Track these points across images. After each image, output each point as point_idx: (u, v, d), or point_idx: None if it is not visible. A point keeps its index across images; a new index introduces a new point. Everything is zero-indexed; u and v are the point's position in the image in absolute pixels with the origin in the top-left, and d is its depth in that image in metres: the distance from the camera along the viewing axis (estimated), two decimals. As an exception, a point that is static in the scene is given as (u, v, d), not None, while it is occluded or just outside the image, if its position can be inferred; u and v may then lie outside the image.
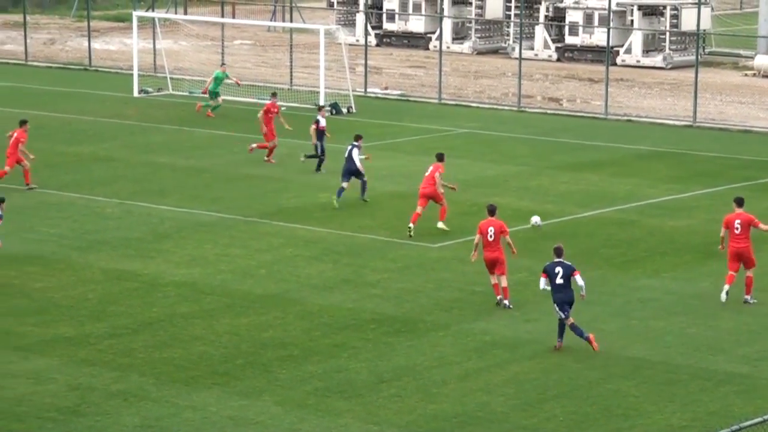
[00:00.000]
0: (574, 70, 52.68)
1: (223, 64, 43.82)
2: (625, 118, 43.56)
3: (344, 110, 43.29)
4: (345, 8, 60.18)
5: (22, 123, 32.91)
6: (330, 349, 21.72)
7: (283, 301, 24.07)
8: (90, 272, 25.56)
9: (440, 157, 29.09)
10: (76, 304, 23.74)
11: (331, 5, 60.84)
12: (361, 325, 22.83)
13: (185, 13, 63.06)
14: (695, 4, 49.73)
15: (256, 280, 25.32)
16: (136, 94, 45.77)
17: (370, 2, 56.48)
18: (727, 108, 45.50)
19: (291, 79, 48.03)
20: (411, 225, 28.36)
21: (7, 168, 32.09)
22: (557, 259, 21.80)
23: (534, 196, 32.29)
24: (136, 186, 32.65)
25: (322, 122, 34.07)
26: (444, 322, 23.05)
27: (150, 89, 46.48)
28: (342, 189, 30.53)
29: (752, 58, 53.73)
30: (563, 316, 21.64)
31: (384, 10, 58.65)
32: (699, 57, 46.29)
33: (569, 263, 21.82)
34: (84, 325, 22.66)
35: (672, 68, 53.23)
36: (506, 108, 45.25)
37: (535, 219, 27.03)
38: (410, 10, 57.93)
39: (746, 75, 52.31)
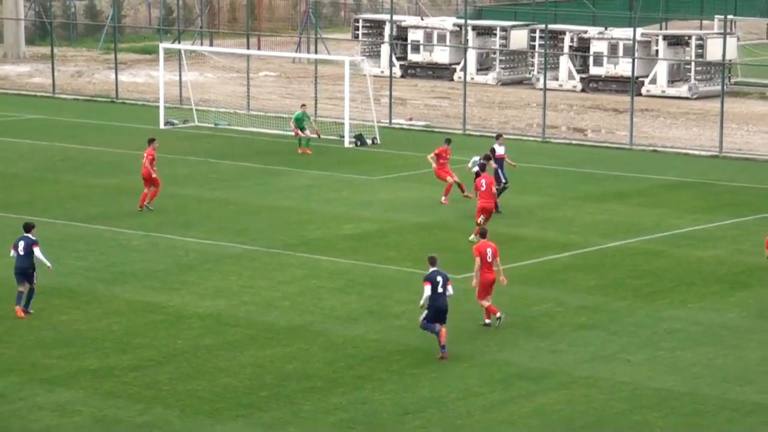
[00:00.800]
0: (599, 101, 52.59)
1: (303, 105, 42.45)
2: (651, 148, 43.42)
3: (369, 141, 43.32)
4: (370, 40, 60.34)
5: (150, 141, 33.79)
6: (354, 380, 21.63)
7: (307, 333, 24.01)
8: (116, 304, 25.58)
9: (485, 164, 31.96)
10: (102, 336, 23.75)
11: (356, 37, 61.02)
12: (385, 357, 22.73)
13: (211, 44, 63.39)
14: (721, 34, 49.61)
15: (280, 311, 25.27)
16: (162, 126, 45.94)
17: (394, 34, 56.59)
18: (754, 138, 45.30)
19: (316, 110, 48.12)
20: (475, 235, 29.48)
21: (147, 189, 33.07)
22: (435, 269, 22.64)
23: (559, 226, 32.18)
24: (162, 218, 32.71)
25: (500, 150, 34.04)
26: (469, 354, 22.93)
27: (176, 121, 46.64)
28: None
29: (778, 87, 53.57)
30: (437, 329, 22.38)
31: (409, 41, 58.77)
32: (725, 87, 46.15)
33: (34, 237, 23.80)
34: (109, 357, 22.66)
35: (697, 98, 53.08)
36: (531, 139, 45.20)
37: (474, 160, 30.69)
38: (435, 41, 58.02)
39: (772, 104, 52.13)
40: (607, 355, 22.89)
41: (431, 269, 22.79)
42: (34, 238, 24.90)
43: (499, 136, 34.91)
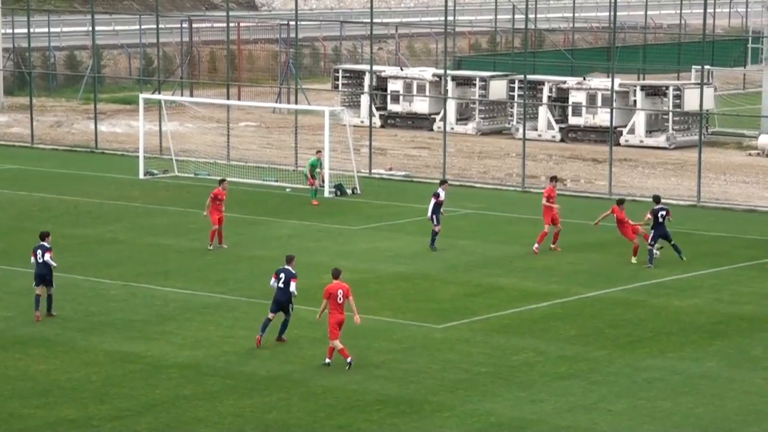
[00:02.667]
0: (578, 151, 52.89)
1: (318, 151, 42.46)
2: (630, 198, 43.62)
3: (349, 191, 43.43)
4: (350, 90, 60.63)
5: (221, 182, 35.45)
6: (334, 430, 21.59)
7: (288, 383, 23.98)
8: (93, 354, 25.50)
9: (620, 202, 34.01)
10: (80, 386, 23.67)
11: (336, 87, 61.30)
12: (365, 407, 22.72)
13: (191, 95, 63.56)
14: (698, 84, 50.02)
15: (260, 361, 25.24)
16: (141, 176, 45.97)
17: (374, 84, 56.84)
18: (731, 188, 45.59)
19: (296, 160, 48.25)
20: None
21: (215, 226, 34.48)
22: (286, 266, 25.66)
23: (539, 276, 32.27)
24: (141, 268, 32.68)
25: (442, 195, 34.76)
26: (449, 403, 22.94)
27: (156, 171, 46.68)
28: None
29: (756, 137, 53.95)
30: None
31: (388, 91, 59.05)
32: (702, 137, 46.48)
33: (293, 270, 25.67)
34: (87, 407, 22.57)
35: (675, 148, 53.43)
36: (511, 188, 45.38)
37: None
38: (414, 92, 58.32)
39: (750, 154, 52.49)
40: (587, 405, 22.93)
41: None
42: (48, 245, 28.00)
43: (443, 182, 35.50)
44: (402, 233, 37.17)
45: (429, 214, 34.81)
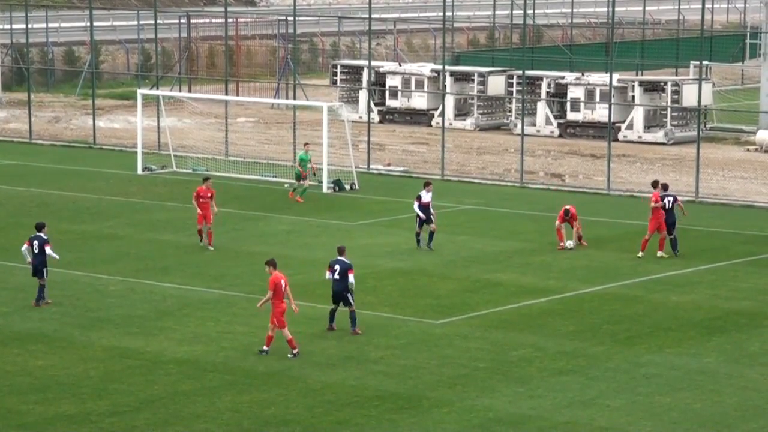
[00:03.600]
0: (576, 146, 52.89)
1: (306, 144, 42.18)
2: (628, 193, 43.65)
3: (347, 187, 43.43)
4: (348, 85, 60.61)
5: (204, 180, 35.05)
6: (332, 426, 21.60)
7: (286, 379, 23.99)
8: (92, 350, 25.51)
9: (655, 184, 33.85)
10: (78, 381, 23.67)
11: (334, 83, 61.28)
12: (363, 402, 22.72)
13: (189, 90, 63.52)
14: (696, 80, 50.02)
15: (258, 357, 25.24)
16: (140, 171, 45.96)
17: (373, 79, 56.85)
18: (729, 183, 45.60)
19: (294, 156, 48.21)
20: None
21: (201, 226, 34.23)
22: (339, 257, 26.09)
23: (537, 271, 32.28)
24: (140, 264, 32.67)
25: (426, 198, 34.22)
26: (447, 399, 22.95)
27: (154, 167, 46.67)
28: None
29: (754, 133, 53.95)
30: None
31: (387, 87, 59.03)
32: (700, 132, 46.47)
33: (348, 261, 25.91)
34: (86, 402, 22.58)
35: (673, 144, 53.43)
36: (509, 184, 45.38)
37: (569, 243, 33.03)
38: (413, 87, 58.31)
39: (748, 150, 52.49)
40: (585, 401, 22.94)
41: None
42: (45, 237, 28.20)
43: (427, 184, 34.78)
44: (400, 229, 37.17)
45: (421, 215, 34.07)
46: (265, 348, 25.30)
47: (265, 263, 25.63)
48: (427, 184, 34.74)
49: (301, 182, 40.99)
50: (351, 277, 26.35)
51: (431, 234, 34.27)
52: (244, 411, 22.24)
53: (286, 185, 43.15)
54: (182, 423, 21.63)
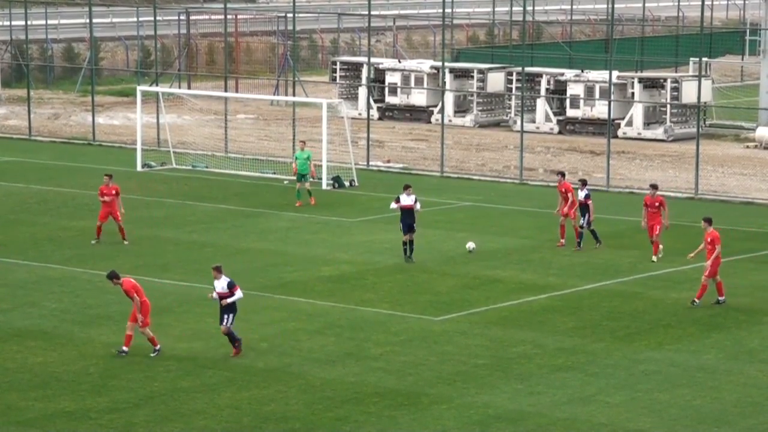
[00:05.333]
0: (576, 143, 52.88)
1: (302, 141, 41.19)
2: (627, 190, 43.66)
3: (347, 184, 43.42)
4: (347, 82, 60.61)
5: (106, 177, 34.66)
6: (332, 423, 21.61)
7: (285, 375, 23.99)
8: (92, 347, 25.50)
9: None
10: (78, 378, 23.67)
11: (333, 79, 61.28)
12: (363, 399, 22.73)
13: (189, 87, 63.51)
14: (695, 76, 50.00)
15: (257, 353, 25.25)
16: (139, 168, 45.95)
17: (372, 76, 56.85)
18: (729, 180, 45.60)
19: (293, 152, 48.20)
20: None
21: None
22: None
23: (536, 268, 32.29)
24: (139, 260, 32.67)
25: (407, 201, 32.48)
26: (447, 395, 22.95)
27: (153, 163, 46.66)
28: None
29: (753, 130, 53.94)
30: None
31: (386, 83, 59.02)
32: (700, 129, 46.48)
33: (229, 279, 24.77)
34: (85, 399, 22.58)
35: (673, 141, 53.43)
36: (508, 181, 45.38)
37: (470, 245, 33.15)
38: (412, 84, 58.30)
39: (747, 147, 52.49)
40: (585, 397, 22.95)
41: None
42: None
43: (406, 187, 32.85)
44: (400, 225, 37.12)
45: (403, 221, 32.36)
46: (125, 348, 24.70)
47: (107, 277, 24.96)
48: (406, 187, 32.82)
49: (304, 182, 39.50)
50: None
51: (411, 243, 32.62)
52: (243, 408, 22.24)
53: (285, 182, 43.13)
54: (182, 420, 21.63)
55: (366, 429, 21.30)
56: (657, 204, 33.04)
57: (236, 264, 32.37)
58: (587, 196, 34.01)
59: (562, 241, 34.48)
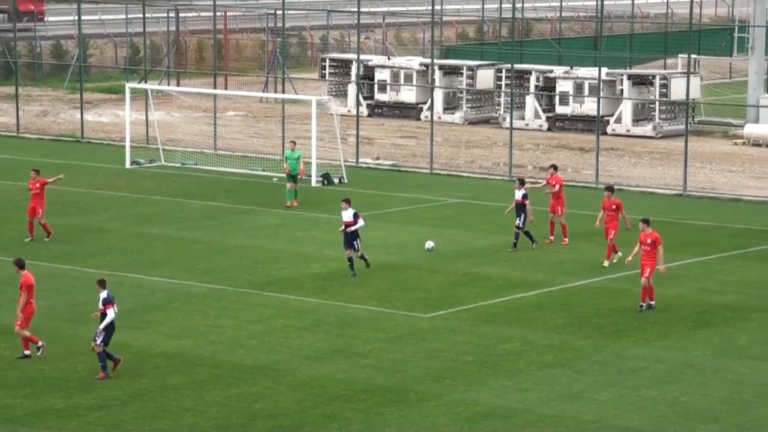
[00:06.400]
0: (565, 140, 52.94)
1: (292, 141, 40.73)
2: (616, 187, 43.59)
3: (336, 180, 43.43)
4: (337, 79, 60.59)
5: (32, 172, 34.47)
6: (321, 419, 21.63)
7: (274, 372, 24.00)
8: (80, 344, 25.47)
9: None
10: (66, 375, 23.66)
11: (323, 76, 61.25)
12: (352, 396, 22.75)
13: (178, 84, 63.43)
14: (684, 73, 50.10)
15: (246, 350, 25.25)
16: (128, 165, 45.91)
17: (361, 73, 56.84)
18: (717, 177, 45.69)
19: (283, 150, 48.19)
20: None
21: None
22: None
23: (525, 265, 32.33)
24: (128, 257, 32.65)
25: (345, 216, 30.81)
26: (435, 392, 22.98)
27: (142, 161, 46.61)
28: None
29: (742, 126, 54.06)
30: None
31: (376, 80, 59.02)
32: (689, 126, 46.56)
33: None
34: (73, 396, 22.57)
35: (662, 137, 53.52)
36: (497, 178, 45.42)
37: (429, 244, 32.80)
38: (402, 81, 58.30)
39: (736, 144, 52.60)
40: (573, 394, 23.00)
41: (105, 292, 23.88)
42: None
43: (344, 201, 30.99)
44: (389, 222, 37.20)
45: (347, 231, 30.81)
46: (27, 352, 24.47)
47: (14, 263, 24.76)
48: (344, 201, 31.10)
49: (294, 183, 39.00)
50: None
51: (363, 259, 30.95)
52: (232, 405, 22.25)
53: (274, 179, 43.10)
54: (170, 417, 21.63)
55: (355, 426, 21.33)
56: (614, 207, 32.63)
57: (225, 261, 32.37)
58: (524, 196, 33.42)
59: (551, 237, 34.53)
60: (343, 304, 28.51)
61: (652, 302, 28.37)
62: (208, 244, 34.30)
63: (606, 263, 32.11)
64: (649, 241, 28.37)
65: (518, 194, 33.68)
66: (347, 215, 30.56)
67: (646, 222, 28.73)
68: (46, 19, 73.52)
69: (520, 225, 33.62)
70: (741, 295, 29.83)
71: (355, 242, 30.64)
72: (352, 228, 30.42)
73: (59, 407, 22.03)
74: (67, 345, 25.42)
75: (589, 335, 26.46)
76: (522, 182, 34.10)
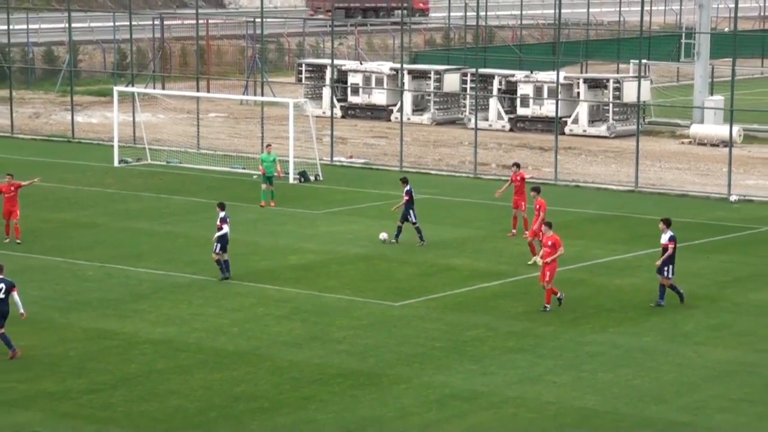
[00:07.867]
0: (526, 139, 53.03)
1: (268, 145, 39.89)
2: (573, 183, 43.82)
3: (312, 178, 43.36)
4: (312, 83, 60.48)
5: (7, 176, 33.42)
6: (299, 401, 21.59)
7: (254, 358, 23.94)
8: (71, 331, 25.36)
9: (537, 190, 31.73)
10: (58, 361, 23.53)
11: (299, 80, 61.12)
12: (328, 379, 22.72)
13: (163, 88, 63.17)
14: (636, 77, 50.23)
15: (228, 337, 25.18)
16: (116, 164, 45.71)
17: (335, 77, 56.74)
18: (666, 174, 45.86)
19: (262, 149, 48.03)
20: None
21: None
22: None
23: (489, 257, 32.36)
24: (116, 250, 32.50)
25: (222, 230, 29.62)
26: (406, 376, 22.98)
27: (130, 159, 46.42)
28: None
29: (688, 127, 54.30)
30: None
31: (349, 84, 58.94)
32: (640, 126, 46.72)
33: (10, 280, 23.09)
34: (65, 380, 22.45)
35: (615, 137, 53.67)
36: (463, 175, 45.45)
37: (383, 235, 32.73)
38: (373, 84, 58.25)
39: (683, 143, 52.81)
40: (534, 377, 23.04)
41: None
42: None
43: (219, 205, 29.84)
44: (361, 217, 37.17)
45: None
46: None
47: None
48: (219, 205, 29.59)
49: (270, 185, 38.38)
50: (15, 295, 23.32)
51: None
52: (215, 388, 22.19)
53: (254, 176, 42.97)
54: (157, 399, 21.55)
55: (330, 407, 21.31)
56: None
57: (208, 253, 32.22)
58: (408, 192, 32.92)
59: (513, 231, 34.57)
60: (318, 293, 28.46)
61: (548, 306, 27.08)
62: (192, 237, 34.17)
63: (530, 261, 30.75)
64: (549, 243, 27.53)
65: (405, 191, 33.06)
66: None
67: (548, 225, 27.79)
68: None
69: (413, 221, 33.03)
70: (688, 284, 29.91)
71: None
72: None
73: (52, 391, 21.91)
74: (60, 332, 25.29)
75: (549, 322, 26.51)
76: (405, 181, 33.35)
